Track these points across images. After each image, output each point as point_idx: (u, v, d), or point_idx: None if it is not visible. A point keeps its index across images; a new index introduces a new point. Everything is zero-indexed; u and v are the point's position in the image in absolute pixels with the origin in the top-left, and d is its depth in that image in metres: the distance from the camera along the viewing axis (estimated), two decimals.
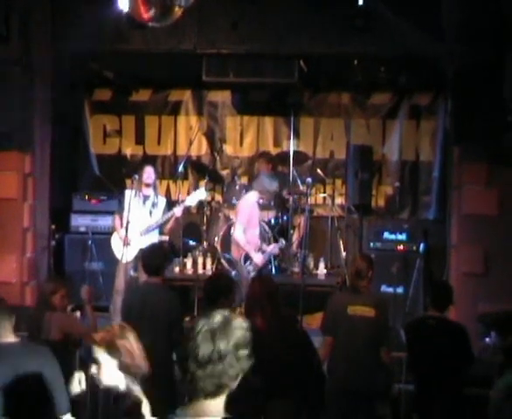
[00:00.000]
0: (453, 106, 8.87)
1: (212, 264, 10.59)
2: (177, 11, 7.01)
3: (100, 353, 4.25)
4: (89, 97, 11.84)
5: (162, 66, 10.70)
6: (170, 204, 9.52)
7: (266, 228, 10.13)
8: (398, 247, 9.84)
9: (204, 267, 10.53)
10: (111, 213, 9.72)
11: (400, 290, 9.45)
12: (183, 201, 9.35)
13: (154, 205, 9.10)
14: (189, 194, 10.35)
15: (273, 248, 9.33)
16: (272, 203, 9.99)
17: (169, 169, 11.81)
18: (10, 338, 4.77)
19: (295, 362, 5.61)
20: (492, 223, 8.63)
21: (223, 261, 10.38)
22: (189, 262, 10.56)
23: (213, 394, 2.82)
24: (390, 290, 9.35)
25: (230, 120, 11.85)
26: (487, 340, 7.59)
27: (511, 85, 7.98)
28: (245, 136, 11.82)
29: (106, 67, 10.67)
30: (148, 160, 11.39)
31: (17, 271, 9.20)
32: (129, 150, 11.88)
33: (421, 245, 9.63)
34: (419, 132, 11.40)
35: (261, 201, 9.12)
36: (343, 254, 10.58)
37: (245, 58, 9.75)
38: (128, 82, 11.50)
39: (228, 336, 2.83)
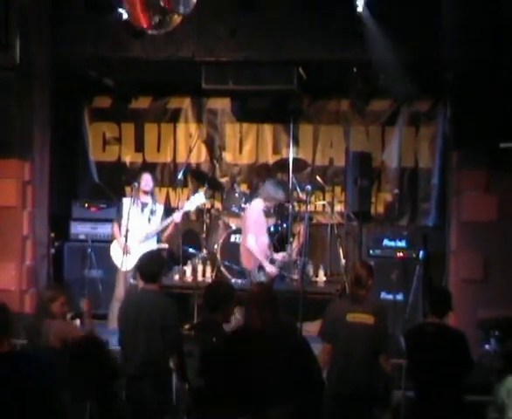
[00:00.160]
0: (452, 112, 8.86)
1: (212, 271, 10.60)
2: (176, 19, 7.03)
3: None
4: (89, 104, 11.85)
5: (161, 74, 10.71)
6: (169, 211, 9.54)
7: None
8: (398, 254, 9.83)
9: (204, 275, 10.54)
10: (110, 221, 9.75)
11: (400, 297, 9.45)
12: (182, 207, 9.37)
13: (152, 212, 9.12)
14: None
15: (282, 257, 9.33)
16: (271, 211, 10.01)
17: (168, 177, 11.81)
18: None
19: (294, 369, 5.59)
20: (491, 229, 8.62)
21: (222, 269, 10.38)
22: (188, 270, 10.56)
23: None
24: (390, 297, 9.35)
25: (229, 128, 11.85)
26: (487, 346, 7.59)
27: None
28: (245, 144, 11.82)
29: (105, 75, 10.67)
30: (148, 167, 11.40)
31: (16, 278, 9.19)
32: (129, 158, 11.88)
33: (421, 252, 9.62)
34: (418, 138, 11.39)
35: (266, 208, 9.13)
36: (343, 261, 10.57)
37: (244, 66, 9.74)
38: (128, 89, 11.50)
39: None
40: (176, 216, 9.13)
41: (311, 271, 10.59)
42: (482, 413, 5.99)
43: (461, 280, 8.71)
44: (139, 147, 11.87)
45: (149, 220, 9.09)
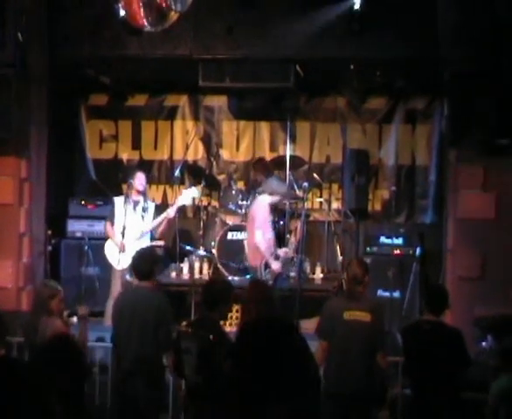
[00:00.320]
0: (449, 110, 8.86)
1: (209, 269, 10.59)
2: (173, 17, 7.01)
3: None
4: (85, 102, 11.85)
5: (158, 71, 10.71)
6: (161, 208, 9.56)
7: None
8: (395, 251, 9.84)
9: (201, 272, 10.54)
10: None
11: (397, 294, 9.45)
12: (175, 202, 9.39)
13: (144, 210, 9.14)
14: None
15: (285, 252, 9.28)
16: (277, 206, 9.96)
17: (165, 174, 11.81)
18: None
19: (292, 367, 5.59)
20: (488, 226, 8.62)
21: (219, 266, 10.38)
22: (185, 267, 10.56)
23: None
24: (387, 294, 9.37)
25: (226, 125, 11.86)
26: (484, 343, 7.59)
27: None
28: (242, 141, 11.83)
29: (102, 72, 10.67)
30: (145, 164, 11.42)
31: (13, 276, 9.19)
32: (126, 155, 11.88)
33: (417, 249, 9.62)
34: (415, 136, 11.41)
35: (272, 204, 9.10)
36: (340, 258, 10.58)
37: (241, 63, 9.74)
38: (125, 87, 11.51)
39: None
40: (171, 211, 9.14)
41: (308, 269, 10.60)
42: (479, 410, 6.00)
43: (458, 278, 8.72)
44: (136, 144, 11.87)
45: (143, 217, 9.10)
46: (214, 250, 10.49)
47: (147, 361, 6.36)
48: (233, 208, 10.68)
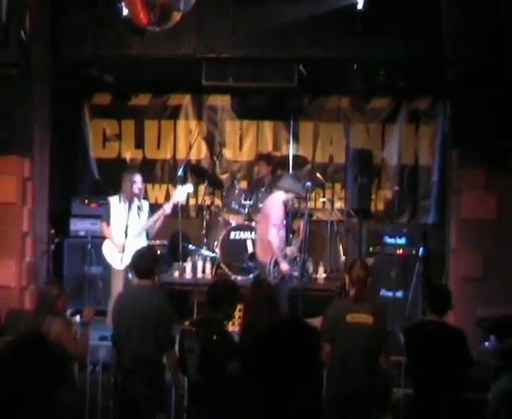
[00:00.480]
0: (452, 110, 8.86)
1: (212, 268, 10.59)
2: (176, 16, 7.02)
3: None
4: (89, 101, 11.86)
5: (161, 71, 10.71)
6: (154, 207, 9.57)
7: None
8: (398, 251, 9.83)
9: (204, 272, 10.54)
10: None
11: (399, 294, 9.46)
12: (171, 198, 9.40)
13: (139, 208, 9.13)
14: (188, 197, 10.37)
15: (291, 251, 9.24)
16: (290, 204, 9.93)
17: (168, 173, 11.82)
18: None
19: (295, 366, 5.59)
20: (491, 227, 8.61)
21: (222, 265, 10.38)
22: (188, 266, 10.55)
23: None
24: (390, 294, 9.36)
25: (229, 125, 11.86)
26: (486, 344, 7.59)
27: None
28: (245, 140, 11.83)
29: (105, 72, 10.68)
30: (148, 164, 11.43)
31: (16, 275, 9.18)
32: (129, 154, 11.89)
33: (420, 249, 9.62)
34: (418, 136, 11.41)
35: (286, 201, 9.08)
36: (343, 258, 10.59)
37: (244, 63, 9.74)
38: (128, 86, 11.52)
39: None
40: (167, 208, 9.13)
41: (311, 268, 10.60)
42: (481, 410, 6.00)
43: (461, 278, 8.71)
44: (139, 143, 11.88)
45: (139, 215, 9.09)
46: (217, 250, 10.50)
47: (147, 361, 6.35)
48: (236, 207, 10.68)
